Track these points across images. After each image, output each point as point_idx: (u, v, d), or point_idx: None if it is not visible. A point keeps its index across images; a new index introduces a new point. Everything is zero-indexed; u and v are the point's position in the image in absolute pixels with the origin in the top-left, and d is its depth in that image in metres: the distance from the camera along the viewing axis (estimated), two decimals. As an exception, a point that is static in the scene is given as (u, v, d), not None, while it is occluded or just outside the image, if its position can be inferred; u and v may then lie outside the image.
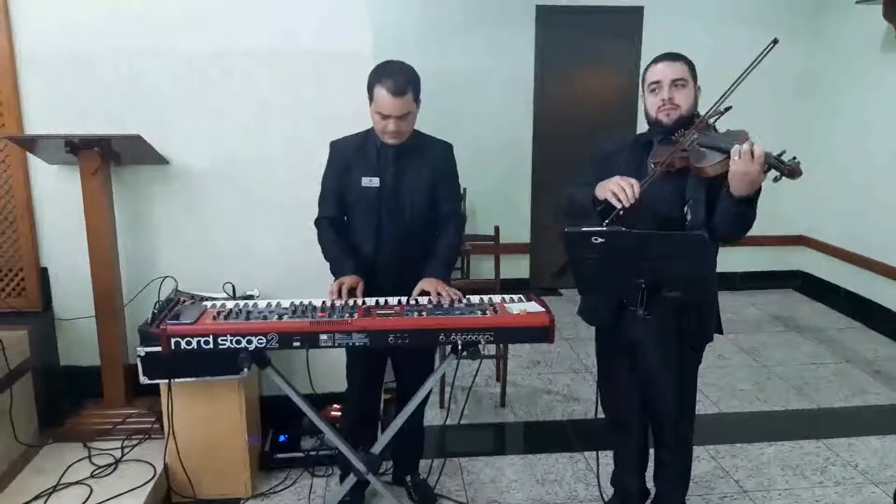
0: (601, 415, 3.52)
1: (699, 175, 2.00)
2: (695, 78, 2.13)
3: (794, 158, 1.87)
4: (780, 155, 1.87)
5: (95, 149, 2.72)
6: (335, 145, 2.47)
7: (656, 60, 2.13)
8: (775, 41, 1.98)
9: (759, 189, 1.92)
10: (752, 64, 2.00)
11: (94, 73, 2.90)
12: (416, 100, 2.30)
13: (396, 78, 2.22)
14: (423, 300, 2.25)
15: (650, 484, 2.53)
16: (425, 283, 2.31)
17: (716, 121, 2.09)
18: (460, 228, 2.55)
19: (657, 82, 2.10)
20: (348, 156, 2.42)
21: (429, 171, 2.42)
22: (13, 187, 2.96)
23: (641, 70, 2.22)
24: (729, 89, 2.01)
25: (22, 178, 2.95)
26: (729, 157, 1.90)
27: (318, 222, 2.49)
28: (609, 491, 2.60)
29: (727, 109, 2.05)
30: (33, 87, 2.90)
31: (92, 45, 2.88)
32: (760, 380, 3.97)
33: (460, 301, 2.24)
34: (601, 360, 2.44)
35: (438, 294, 2.26)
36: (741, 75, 2.00)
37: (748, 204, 1.94)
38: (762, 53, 1.99)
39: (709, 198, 2.02)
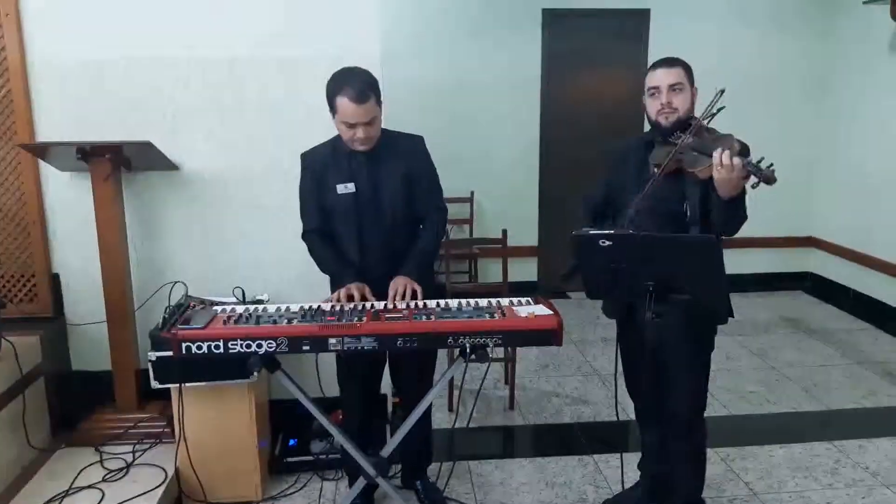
0: (609, 417, 3.54)
1: (692, 177, 2.14)
2: (691, 81, 2.25)
3: (770, 166, 1.98)
4: (758, 161, 1.99)
5: (107, 156, 2.74)
6: (306, 156, 2.46)
7: (655, 66, 2.26)
8: (721, 91, 2.13)
9: (744, 190, 2.07)
10: (703, 115, 2.19)
11: (104, 81, 2.93)
12: (379, 103, 2.29)
13: (356, 85, 2.20)
14: (431, 303, 2.26)
15: None
16: (396, 281, 2.32)
17: (709, 122, 2.21)
18: (441, 223, 2.53)
19: (656, 87, 2.23)
20: (321, 165, 2.41)
21: (403, 168, 2.40)
22: (25, 194, 2.99)
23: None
24: (705, 112, 2.18)
25: (34, 185, 2.98)
26: None
27: (305, 236, 2.49)
28: (627, 483, 2.62)
29: (719, 110, 2.17)
30: (45, 96, 2.93)
31: (103, 54, 2.90)
32: (770, 382, 3.96)
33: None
34: (621, 350, 2.48)
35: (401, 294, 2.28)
36: (701, 119, 2.19)
37: (734, 204, 2.07)
38: (711, 103, 2.15)
39: (704, 196, 2.14)
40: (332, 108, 2.26)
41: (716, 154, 1.99)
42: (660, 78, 2.21)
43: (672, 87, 2.20)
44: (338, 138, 2.37)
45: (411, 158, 2.44)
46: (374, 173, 2.38)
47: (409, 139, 2.47)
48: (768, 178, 1.96)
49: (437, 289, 2.63)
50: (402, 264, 2.39)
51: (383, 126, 2.39)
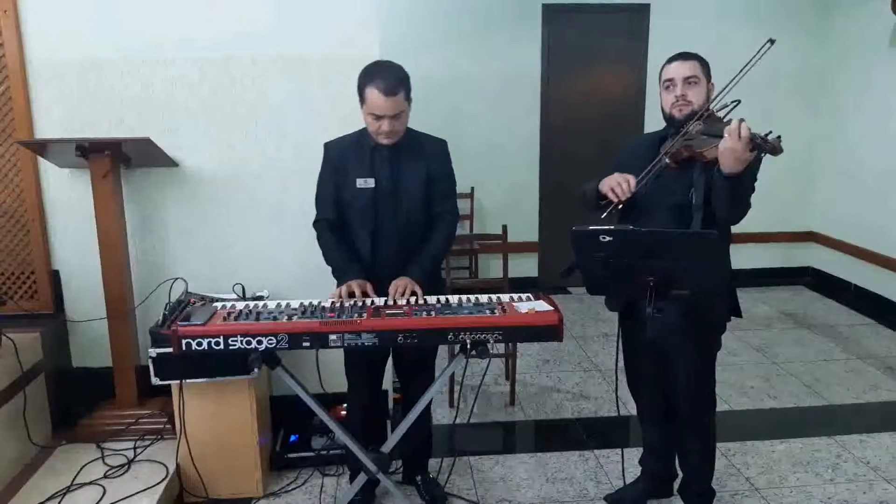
0: (610, 413, 3.54)
1: (701, 160, 2.12)
2: (708, 76, 2.25)
3: (778, 137, 1.96)
4: (766, 135, 1.96)
5: (106, 152, 2.73)
6: (329, 147, 2.46)
7: (671, 59, 2.26)
8: (771, 41, 2.08)
9: (752, 169, 2.03)
10: (748, 64, 2.09)
11: (104, 79, 2.92)
12: (408, 98, 2.29)
13: (387, 78, 2.22)
14: (432, 299, 2.25)
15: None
16: (397, 281, 2.31)
17: (727, 114, 2.18)
18: (451, 226, 2.52)
19: (671, 80, 2.23)
20: (343, 157, 2.41)
21: (424, 169, 2.41)
22: (25, 191, 2.98)
23: (649, 68, 2.30)
24: (726, 87, 2.15)
25: (33, 182, 2.97)
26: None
27: (316, 224, 2.49)
28: (628, 478, 2.63)
29: (735, 102, 2.15)
30: (44, 93, 2.92)
31: (102, 52, 2.90)
32: (771, 377, 3.96)
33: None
34: (623, 347, 2.48)
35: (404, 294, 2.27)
36: (737, 75, 2.11)
37: (737, 182, 2.01)
38: (758, 53, 2.08)
39: (709, 181, 2.12)
40: (362, 99, 2.28)
41: (732, 124, 1.96)
42: (675, 70, 2.22)
43: (687, 80, 2.20)
44: (364, 131, 2.38)
45: (433, 161, 2.44)
46: (395, 171, 2.38)
47: (434, 142, 2.48)
48: (774, 149, 1.95)
49: (440, 287, 2.63)
50: (411, 264, 2.39)
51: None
